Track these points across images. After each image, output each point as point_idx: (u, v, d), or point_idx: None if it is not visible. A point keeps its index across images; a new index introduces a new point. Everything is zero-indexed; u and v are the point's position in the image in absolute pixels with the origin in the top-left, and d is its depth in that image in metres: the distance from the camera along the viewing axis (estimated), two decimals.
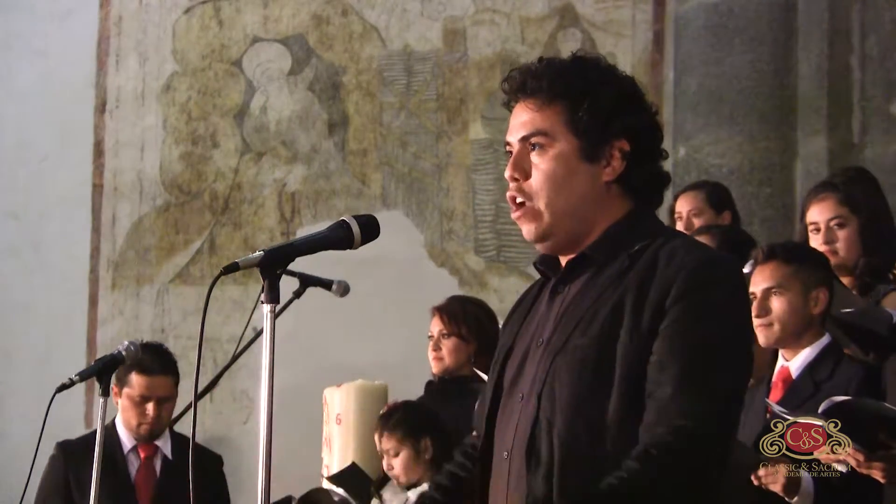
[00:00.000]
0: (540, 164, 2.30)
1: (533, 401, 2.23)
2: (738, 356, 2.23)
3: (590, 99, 2.29)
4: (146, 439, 4.74)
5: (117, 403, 4.77)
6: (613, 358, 2.17)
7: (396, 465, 4.19)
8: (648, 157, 2.34)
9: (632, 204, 2.33)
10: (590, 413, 2.17)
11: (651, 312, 2.17)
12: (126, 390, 4.73)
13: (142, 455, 4.77)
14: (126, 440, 4.77)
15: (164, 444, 4.78)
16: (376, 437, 4.28)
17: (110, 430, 4.77)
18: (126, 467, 4.74)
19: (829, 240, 4.01)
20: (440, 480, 2.56)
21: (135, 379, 4.71)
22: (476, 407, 2.48)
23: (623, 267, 2.24)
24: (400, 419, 4.23)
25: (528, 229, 2.32)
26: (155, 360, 4.72)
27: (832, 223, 4.03)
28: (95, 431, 4.75)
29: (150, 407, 4.70)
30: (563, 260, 2.36)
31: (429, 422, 4.21)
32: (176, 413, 4.83)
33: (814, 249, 3.86)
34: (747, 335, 2.31)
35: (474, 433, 2.57)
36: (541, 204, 2.29)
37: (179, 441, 4.84)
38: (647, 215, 2.35)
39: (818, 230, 4.04)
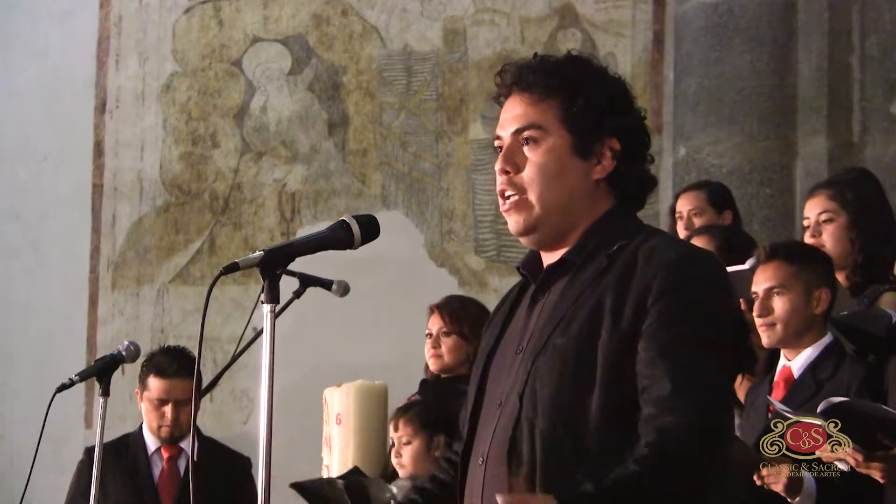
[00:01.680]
0: (532, 157, 2.30)
1: (513, 403, 2.22)
2: (725, 350, 2.23)
3: (584, 96, 2.30)
4: (168, 441, 4.76)
5: (141, 407, 4.81)
6: (594, 357, 2.17)
7: (406, 453, 4.19)
8: (637, 158, 2.34)
9: (614, 203, 2.33)
10: (571, 412, 2.17)
11: (632, 312, 2.17)
12: (146, 393, 4.77)
13: (165, 456, 4.79)
14: (150, 443, 4.81)
15: (189, 446, 4.80)
16: (391, 426, 4.29)
17: (137, 433, 4.85)
18: (149, 469, 4.78)
19: (815, 234, 4.03)
20: (423, 484, 2.55)
21: (152, 382, 4.74)
22: (461, 412, 2.48)
23: (601, 267, 2.24)
24: (419, 411, 4.25)
25: (515, 220, 2.31)
26: (172, 362, 4.74)
27: (820, 218, 4.05)
28: (124, 436, 4.85)
29: (167, 410, 4.72)
30: (546, 259, 2.36)
31: (446, 421, 4.20)
32: None
33: (816, 249, 3.86)
34: (731, 329, 2.30)
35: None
36: (532, 197, 2.29)
37: (204, 442, 4.87)
38: (626, 214, 2.35)
39: (809, 226, 4.07)
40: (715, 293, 2.23)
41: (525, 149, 2.31)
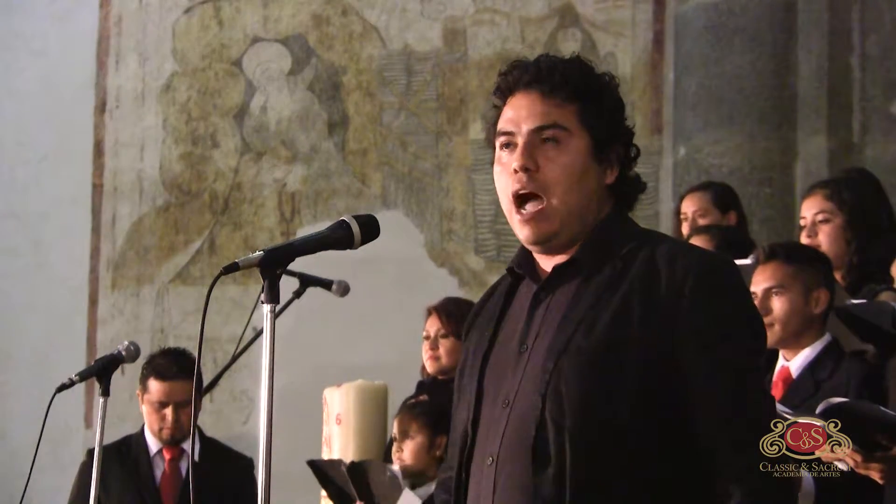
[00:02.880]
0: (557, 157, 2.27)
1: (530, 403, 2.22)
2: (761, 357, 2.36)
3: (600, 100, 2.31)
4: (170, 443, 4.77)
5: (142, 409, 4.81)
6: (622, 360, 2.18)
7: (407, 447, 4.20)
8: (633, 163, 2.36)
9: (613, 206, 2.34)
10: (602, 414, 2.17)
11: (664, 317, 2.19)
12: (146, 396, 4.77)
13: (167, 458, 4.80)
14: (152, 444, 4.81)
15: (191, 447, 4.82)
16: (396, 421, 4.29)
17: (138, 435, 4.85)
18: (151, 470, 4.78)
19: (811, 234, 4.03)
20: None
21: (152, 385, 4.73)
22: (454, 419, 2.46)
23: (616, 269, 2.25)
24: (427, 409, 4.26)
25: (536, 230, 2.28)
26: (172, 365, 4.73)
27: (817, 218, 4.04)
28: (126, 437, 4.86)
29: (168, 412, 4.72)
30: (541, 260, 2.35)
31: (450, 424, 4.22)
32: None
33: (815, 250, 3.86)
34: (763, 330, 2.37)
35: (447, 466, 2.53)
36: (555, 199, 2.26)
37: (207, 443, 4.87)
38: (626, 217, 2.36)
39: (806, 225, 4.07)
40: (747, 299, 2.31)
41: (547, 147, 2.28)
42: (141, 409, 4.83)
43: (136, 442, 4.84)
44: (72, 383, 3.64)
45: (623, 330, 2.19)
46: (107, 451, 4.76)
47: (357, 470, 4.17)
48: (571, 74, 2.31)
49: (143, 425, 4.84)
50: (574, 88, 2.29)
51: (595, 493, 2.16)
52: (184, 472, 4.78)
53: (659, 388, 2.18)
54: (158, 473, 4.79)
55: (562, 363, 2.21)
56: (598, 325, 2.21)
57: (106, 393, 3.57)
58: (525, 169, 2.27)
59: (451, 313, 4.55)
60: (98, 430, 3.55)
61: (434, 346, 4.54)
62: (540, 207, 2.27)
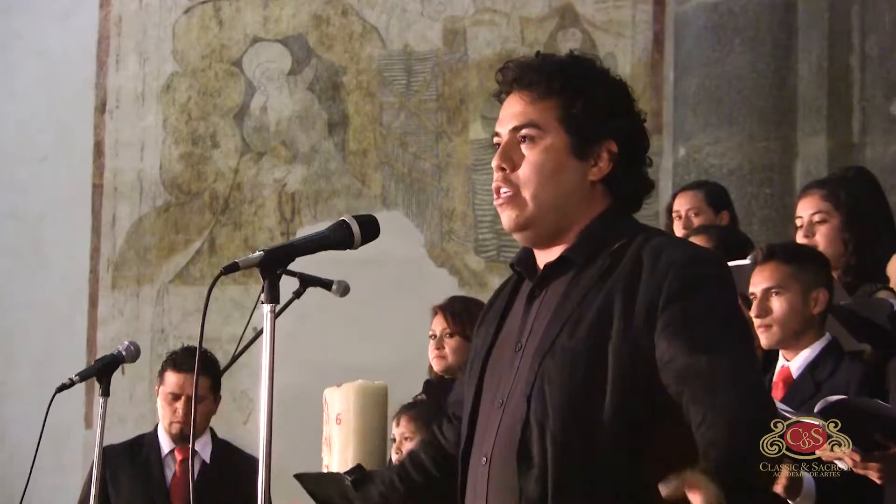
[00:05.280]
0: (529, 155, 2.30)
1: (519, 404, 2.22)
2: (751, 348, 2.28)
3: (584, 97, 2.30)
4: (181, 440, 4.76)
5: (157, 405, 4.82)
6: (605, 358, 2.17)
7: (406, 449, 4.19)
8: (635, 161, 2.35)
9: (610, 204, 2.34)
10: (584, 413, 2.17)
11: (644, 312, 2.17)
12: (161, 388, 4.79)
13: (178, 458, 4.80)
14: (164, 444, 4.82)
15: (203, 448, 4.82)
16: (394, 422, 4.29)
17: (152, 434, 4.87)
18: (162, 470, 4.79)
19: (809, 234, 4.02)
20: (410, 471, 2.58)
21: (168, 376, 4.77)
22: (452, 398, 2.47)
23: (604, 266, 2.24)
24: (424, 409, 4.25)
25: (508, 216, 2.32)
26: (189, 358, 4.75)
27: (813, 218, 4.04)
28: (139, 437, 4.87)
29: (180, 405, 4.74)
30: (539, 257, 2.36)
31: None
32: None
33: (814, 250, 3.86)
34: (749, 328, 2.34)
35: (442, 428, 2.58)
36: (527, 194, 2.29)
37: (219, 445, 4.88)
38: (624, 215, 2.35)
39: (802, 225, 4.06)
40: (729, 293, 2.25)
41: (522, 147, 2.32)
42: (157, 406, 4.84)
43: (148, 441, 4.85)
44: (72, 383, 3.65)
45: (605, 329, 2.18)
46: (119, 449, 4.81)
47: (363, 482, 4.14)
48: (553, 72, 2.32)
49: (157, 424, 4.85)
50: (552, 86, 2.31)
51: (577, 493, 2.15)
52: (195, 474, 4.78)
53: (641, 386, 2.16)
54: (169, 474, 4.80)
55: (546, 364, 2.21)
56: (582, 324, 2.21)
57: (106, 393, 3.58)
58: (501, 168, 2.32)
59: (457, 312, 4.56)
60: (98, 430, 3.55)
61: (440, 346, 4.55)
62: (510, 193, 2.31)
